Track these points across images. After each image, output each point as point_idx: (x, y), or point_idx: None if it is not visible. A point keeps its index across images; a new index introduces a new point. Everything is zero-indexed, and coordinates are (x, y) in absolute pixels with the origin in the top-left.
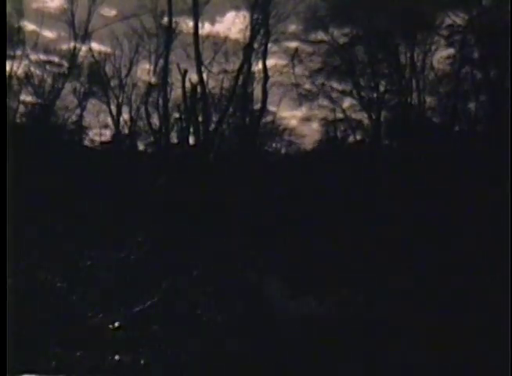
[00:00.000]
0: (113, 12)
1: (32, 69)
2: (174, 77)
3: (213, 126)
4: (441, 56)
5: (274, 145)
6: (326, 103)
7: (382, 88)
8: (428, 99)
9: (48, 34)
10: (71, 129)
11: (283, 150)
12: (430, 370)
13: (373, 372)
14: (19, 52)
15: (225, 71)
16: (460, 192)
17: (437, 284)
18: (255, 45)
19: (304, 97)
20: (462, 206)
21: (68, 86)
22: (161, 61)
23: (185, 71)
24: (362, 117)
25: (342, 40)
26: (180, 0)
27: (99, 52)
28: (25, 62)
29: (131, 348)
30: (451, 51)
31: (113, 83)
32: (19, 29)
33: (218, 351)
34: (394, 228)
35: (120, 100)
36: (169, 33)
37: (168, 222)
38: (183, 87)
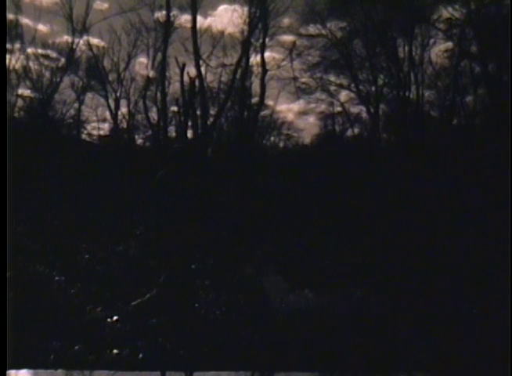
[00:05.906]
0: (105, 6)
1: (30, 63)
2: (172, 70)
3: (211, 120)
4: (440, 49)
5: (272, 138)
6: (323, 96)
7: (380, 82)
8: (426, 93)
9: (43, 27)
10: (69, 123)
11: (281, 144)
12: (430, 361)
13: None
14: (16, 46)
15: (223, 65)
16: (459, 185)
17: (437, 279)
18: (253, 39)
19: (302, 91)
20: (461, 199)
21: (66, 80)
22: (159, 55)
23: (183, 65)
24: (360, 110)
25: (340, 34)
26: None
27: (97, 46)
28: (22, 56)
29: (130, 342)
30: (449, 44)
31: (111, 77)
32: (17, 23)
33: (215, 344)
34: (392, 221)
35: (118, 94)
36: (167, 27)
37: (166, 216)
38: (181, 81)
